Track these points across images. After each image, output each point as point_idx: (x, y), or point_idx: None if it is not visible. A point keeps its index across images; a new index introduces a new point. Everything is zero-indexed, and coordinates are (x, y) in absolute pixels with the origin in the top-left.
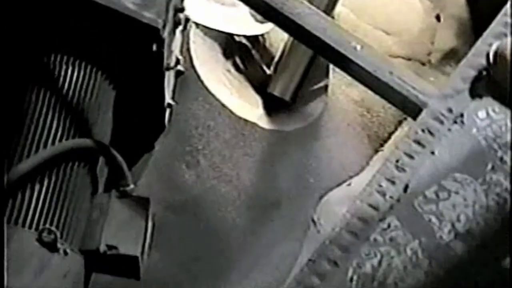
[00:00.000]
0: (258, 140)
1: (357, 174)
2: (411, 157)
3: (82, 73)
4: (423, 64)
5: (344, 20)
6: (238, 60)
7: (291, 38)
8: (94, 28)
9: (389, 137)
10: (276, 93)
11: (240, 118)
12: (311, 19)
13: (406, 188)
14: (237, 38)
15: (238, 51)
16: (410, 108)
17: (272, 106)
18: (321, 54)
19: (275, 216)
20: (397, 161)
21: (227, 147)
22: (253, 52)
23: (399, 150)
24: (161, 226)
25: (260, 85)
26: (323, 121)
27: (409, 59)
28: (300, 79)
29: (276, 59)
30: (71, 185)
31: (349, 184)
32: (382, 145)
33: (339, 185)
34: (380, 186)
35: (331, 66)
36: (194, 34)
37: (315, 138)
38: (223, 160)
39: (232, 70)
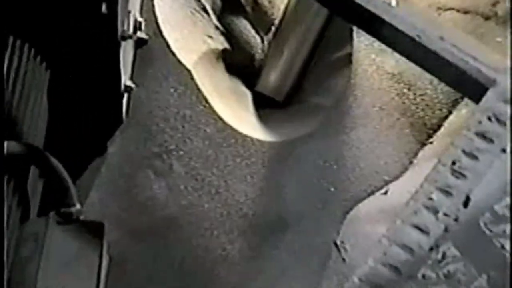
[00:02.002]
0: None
1: (395, 178)
2: (473, 157)
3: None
4: (487, 18)
5: None
6: (228, 18)
7: None
8: None
9: (439, 125)
10: (267, 92)
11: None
12: None
13: (467, 201)
14: None
15: (225, 7)
16: (469, 86)
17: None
18: (341, 14)
19: (281, 242)
20: (453, 163)
21: (210, 146)
22: (246, 8)
23: (456, 146)
24: (121, 260)
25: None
26: (346, 106)
27: (467, 12)
28: (303, 64)
29: (274, 27)
30: None
31: (385, 193)
32: (430, 137)
33: (370, 194)
34: (430, 199)
35: (355, 28)
36: None
37: (335, 131)
38: (205, 164)
39: (216, 33)
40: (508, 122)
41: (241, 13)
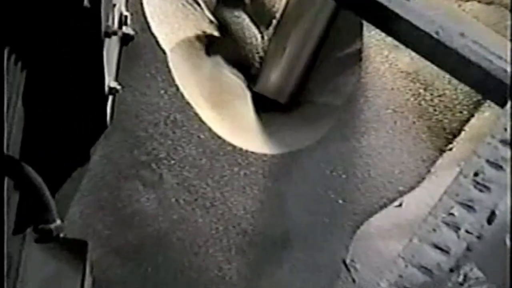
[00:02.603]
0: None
1: (411, 189)
2: (498, 167)
3: None
4: None
5: None
6: (224, 12)
7: None
8: None
9: (460, 130)
10: (268, 93)
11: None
12: None
13: (491, 217)
14: None
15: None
16: (493, 87)
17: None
18: (350, 7)
19: (284, 260)
20: (476, 174)
21: (205, 154)
22: (245, 1)
23: (479, 156)
24: (106, 282)
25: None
26: (357, 108)
27: (490, 3)
28: (307, 62)
29: (275, 21)
30: None
31: (399, 205)
32: (449, 142)
33: (383, 206)
34: (451, 214)
35: (365, 23)
36: None
37: (344, 136)
38: (199, 175)
39: (210, 28)
40: None
41: (238, 6)
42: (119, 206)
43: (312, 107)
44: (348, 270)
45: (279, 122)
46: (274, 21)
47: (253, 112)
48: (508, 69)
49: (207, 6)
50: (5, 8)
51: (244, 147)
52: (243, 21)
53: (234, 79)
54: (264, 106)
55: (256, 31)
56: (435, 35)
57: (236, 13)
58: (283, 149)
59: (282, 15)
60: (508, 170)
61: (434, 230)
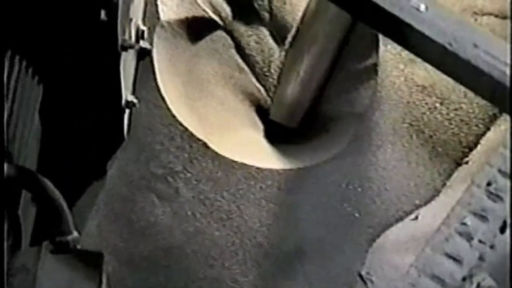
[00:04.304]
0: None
1: (427, 202)
2: (510, 177)
3: None
4: None
5: None
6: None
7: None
8: None
9: (476, 143)
10: (279, 120)
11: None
12: None
13: (504, 226)
14: None
15: (236, 14)
16: (508, 100)
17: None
18: (364, 19)
19: (299, 273)
20: (488, 183)
21: (220, 167)
22: (261, 15)
23: (492, 166)
24: None
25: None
26: (372, 121)
27: (505, 18)
28: (323, 76)
29: (291, 36)
30: None
31: (415, 218)
32: (465, 156)
33: (399, 220)
34: (464, 224)
35: (381, 36)
36: None
37: (360, 149)
38: (215, 188)
39: (227, 42)
40: None
41: (256, 21)
42: (134, 218)
43: (327, 122)
44: (364, 283)
45: (293, 138)
46: (290, 35)
47: (263, 135)
48: None
49: (223, 21)
50: (22, 21)
51: (258, 165)
52: (262, 36)
53: (246, 104)
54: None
55: (275, 46)
56: (448, 46)
57: (254, 28)
58: (298, 165)
59: (298, 29)
60: None
61: (447, 239)
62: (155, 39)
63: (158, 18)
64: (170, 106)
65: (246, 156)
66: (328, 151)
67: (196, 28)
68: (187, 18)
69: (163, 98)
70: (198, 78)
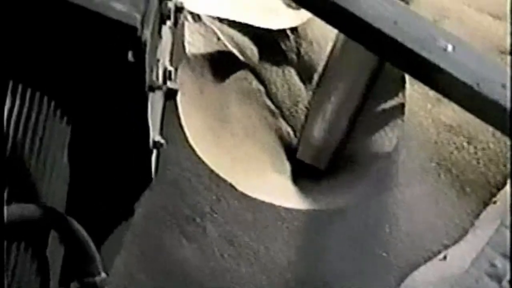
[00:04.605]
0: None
1: (455, 242)
2: None
3: (18, 100)
4: None
5: (428, 1)
6: (267, 67)
7: (342, 36)
8: (35, 30)
9: (504, 183)
10: (307, 160)
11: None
12: (373, 4)
13: None
14: (260, 33)
15: (263, 55)
16: None
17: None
18: (391, 59)
19: None
20: None
21: (248, 207)
22: (288, 55)
23: None
24: None
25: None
26: (400, 161)
27: None
28: (350, 116)
29: (317, 75)
30: (6, 278)
31: (443, 258)
32: (493, 195)
33: (427, 260)
34: (493, 265)
35: (407, 76)
36: (192, 31)
37: (388, 188)
38: (242, 227)
39: (253, 82)
40: None
41: (283, 62)
42: (162, 258)
43: (354, 162)
44: None
45: (321, 178)
46: (316, 75)
47: (291, 175)
48: None
49: (250, 60)
50: (51, 63)
51: (285, 206)
52: (289, 76)
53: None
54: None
55: (302, 86)
56: (475, 87)
57: (281, 68)
58: (326, 207)
59: (324, 70)
60: None
61: (477, 281)
62: (180, 78)
63: (185, 58)
64: (195, 146)
65: (274, 196)
66: (356, 193)
67: (222, 67)
68: (213, 57)
69: (186, 138)
70: (225, 117)
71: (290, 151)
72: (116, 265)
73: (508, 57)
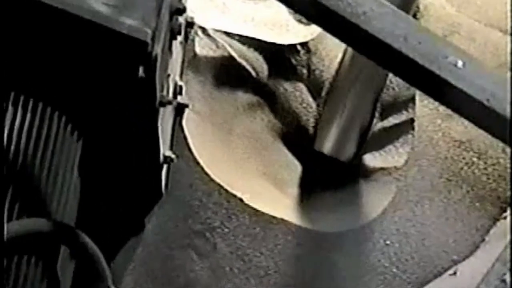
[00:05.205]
0: None
1: (465, 258)
2: None
3: (28, 115)
4: None
5: (437, 16)
6: (276, 82)
7: (350, 50)
8: (45, 45)
9: None
10: (327, 151)
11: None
12: (383, 21)
13: None
14: (270, 48)
15: (274, 70)
16: None
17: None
18: (401, 75)
19: None
20: None
21: (258, 222)
22: (298, 70)
23: None
24: None
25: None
26: (410, 176)
27: None
28: (361, 130)
29: (327, 85)
30: None
31: (453, 274)
32: (503, 211)
33: (437, 275)
34: (503, 281)
35: (417, 91)
36: (202, 46)
37: (397, 205)
38: (253, 243)
39: (263, 98)
40: None
41: (293, 77)
42: (172, 275)
43: (364, 180)
44: None
45: (331, 197)
46: (325, 88)
47: (300, 194)
48: None
49: (258, 75)
50: (61, 78)
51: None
52: (299, 92)
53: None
54: (315, 184)
55: (312, 101)
56: (486, 103)
57: (292, 83)
58: (336, 229)
59: (333, 81)
60: None
61: None
62: (188, 93)
63: (194, 72)
64: (202, 163)
65: (284, 212)
66: (367, 214)
67: (232, 82)
68: (222, 72)
69: (190, 151)
70: (234, 132)
71: (300, 166)
72: (126, 281)
73: None
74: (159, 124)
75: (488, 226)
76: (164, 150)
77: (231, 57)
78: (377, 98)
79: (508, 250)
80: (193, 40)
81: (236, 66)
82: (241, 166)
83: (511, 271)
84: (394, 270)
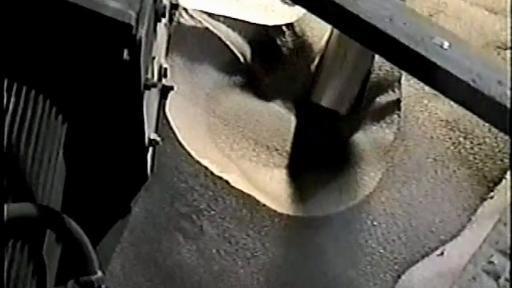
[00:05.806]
0: None
1: (453, 237)
2: None
3: (12, 98)
4: None
5: None
6: (258, 67)
7: (336, 31)
8: (30, 29)
9: (501, 178)
10: (325, 103)
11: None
12: (369, 1)
13: None
14: (254, 30)
15: (258, 52)
16: None
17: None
18: (387, 57)
19: None
20: None
21: (245, 205)
22: (283, 50)
23: None
24: None
25: (296, 104)
26: (396, 157)
27: None
28: (361, 83)
29: (316, 60)
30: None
31: (441, 254)
32: (490, 190)
33: (425, 256)
34: (491, 262)
35: (404, 72)
36: (186, 29)
37: (384, 185)
38: (240, 226)
39: (248, 78)
40: None
41: (277, 57)
42: (159, 258)
43: (351, 161)
44: None
45: (318, 182)
46: (313, 67)
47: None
48: None
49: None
50: (45, 61)
51: (281, 211)
52: (284, 73)
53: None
54: (301, 168)
55: (297, 82)
56: (472, 83)
57: (277, 64)
58: (323, 212)
59: (318, 65)
60: None
61: (474, 278)
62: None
63: (180, 56)
64: (186, 145)
65: (270, 195)
66: (354, 195)
67: (216, 63)
68: (206, 53)
69: (174, 134)
70: (219, 114)
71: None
72: (113, 264)
73: (507, 52)
74: (144, 107)
75: (475, 206)
76: (149, 133)
77: (215, 38)
78: (366, 79)
79: (496, 230)
80: (178, 22)
81: (221, 47)
82: (227, 148)
83: None
84: (382, 250)
